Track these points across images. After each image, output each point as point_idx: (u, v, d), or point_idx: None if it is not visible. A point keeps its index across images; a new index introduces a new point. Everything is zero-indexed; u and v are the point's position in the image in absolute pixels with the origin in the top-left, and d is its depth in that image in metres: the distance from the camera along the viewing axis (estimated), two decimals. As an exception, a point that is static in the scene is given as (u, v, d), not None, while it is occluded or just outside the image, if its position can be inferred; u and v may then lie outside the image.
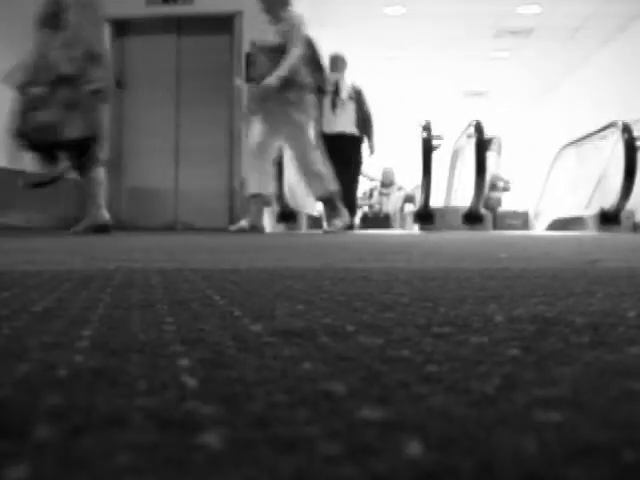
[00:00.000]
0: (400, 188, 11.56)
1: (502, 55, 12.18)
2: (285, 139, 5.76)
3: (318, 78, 6.01)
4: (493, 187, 10.74)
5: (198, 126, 7.89)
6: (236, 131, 7.62)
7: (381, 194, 11.60)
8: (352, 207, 7.53)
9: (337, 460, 0.32)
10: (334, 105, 7.41)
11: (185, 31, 7.99)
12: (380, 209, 11.48)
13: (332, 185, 5.78)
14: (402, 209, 11.33)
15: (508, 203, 12.34)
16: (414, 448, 0.34)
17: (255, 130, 5.72)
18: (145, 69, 8.09)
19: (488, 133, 7.56)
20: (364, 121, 7.69)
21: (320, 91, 6.22)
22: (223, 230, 6.53)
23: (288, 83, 5.52)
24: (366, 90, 7.81)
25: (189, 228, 7.35)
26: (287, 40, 5.52)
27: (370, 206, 11.56)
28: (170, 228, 7.51)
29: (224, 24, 7.70)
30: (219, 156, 7.80)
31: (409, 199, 11.05)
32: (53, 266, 1.75)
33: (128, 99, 8.19)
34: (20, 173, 5.29)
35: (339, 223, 5.85)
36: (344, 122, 7.47)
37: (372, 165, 10.58)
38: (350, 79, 7.72)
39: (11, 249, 2.83)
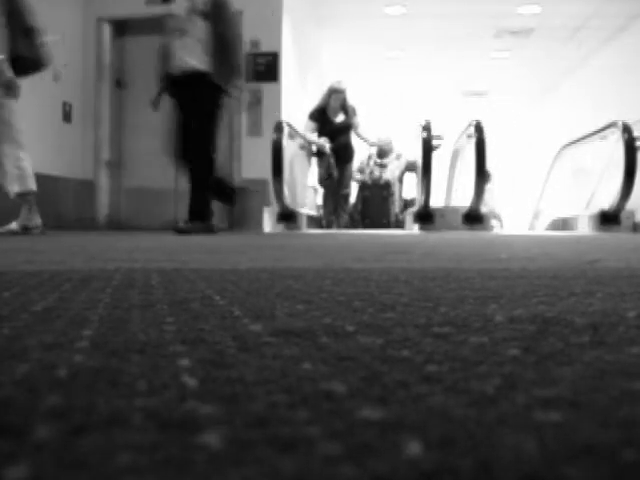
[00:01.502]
0: (399, 156, 11.12)
1: (502, 55, 12.19)
2: None
3: (24, 44, 4.66)
4: None
5: (198, 126, 7.87)
6: (236, 131, 7.62)
7: (380, 165, 11.06)
8: (203, 186, 5.54)
9: (337, 460, 0.32)
10: (181, 32, 5.18)
11: (185, 31, 7.97)
12: (380, 176, 11.00)
13: (32, 184, 4.75)
14: (401, 179, 11.05)
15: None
16: (414, 448, 0.34)
17: None
18: (145, 69, 8.09)
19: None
20: (223, 49, 5.16)
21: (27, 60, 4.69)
22: (223, 230, 6.53)
23: None
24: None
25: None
26: None
27: (370, 172, 11.08)
28: (170, 228, 7.50)
29: (224, 24, 7.69)
30: (219, 156, 7.79)
31: (411, 167, 10.49)
32: (53, 266, 1.75)
33: (128, 99, 8.20)
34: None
35: (14, 226, 4.80)
36: (190, 54, 5.16)
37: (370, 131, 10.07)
38: None
39: (11, 249, 2.83)
